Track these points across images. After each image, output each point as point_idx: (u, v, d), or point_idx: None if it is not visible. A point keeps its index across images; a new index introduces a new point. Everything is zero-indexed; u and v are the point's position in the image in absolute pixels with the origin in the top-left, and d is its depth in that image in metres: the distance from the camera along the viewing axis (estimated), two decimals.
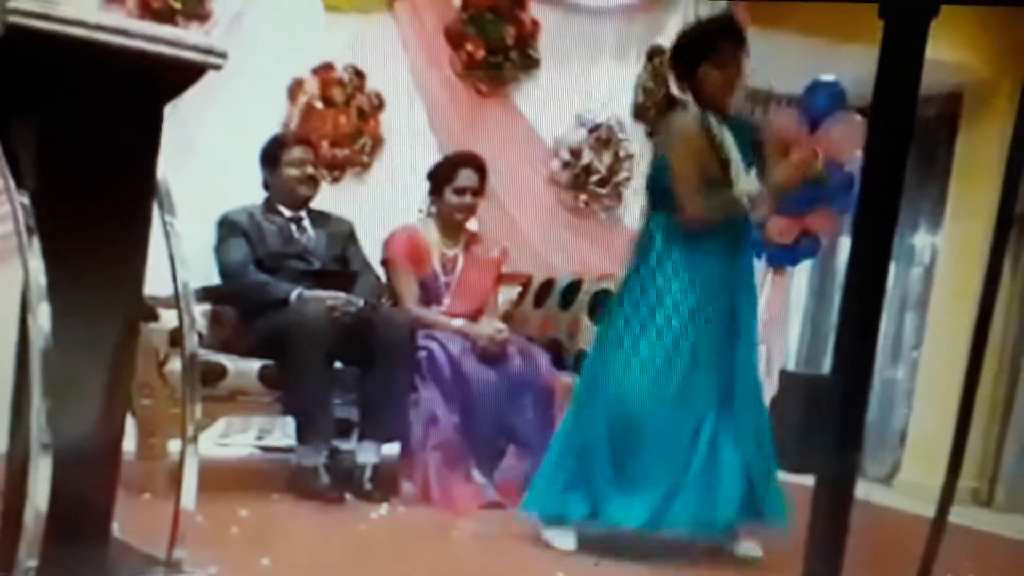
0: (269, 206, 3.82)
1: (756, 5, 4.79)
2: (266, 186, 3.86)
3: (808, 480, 0.91)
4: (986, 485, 5.08)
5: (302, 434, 3.52)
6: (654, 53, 4.74)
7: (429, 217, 3.99)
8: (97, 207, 2.10)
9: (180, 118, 3.36)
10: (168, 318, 3.26)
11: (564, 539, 3.04)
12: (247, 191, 3.84)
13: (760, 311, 5.39)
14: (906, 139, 1.00)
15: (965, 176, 5.29)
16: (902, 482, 5.22)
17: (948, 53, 4.76)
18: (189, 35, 2.62)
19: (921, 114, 5.66)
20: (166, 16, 3.99)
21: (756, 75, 5.16)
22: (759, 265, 5.34)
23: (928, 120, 5.52)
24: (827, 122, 4.83)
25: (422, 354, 3.65)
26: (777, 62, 5.29)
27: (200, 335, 3.53)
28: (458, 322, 3.81)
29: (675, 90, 3.19)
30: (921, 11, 0.96)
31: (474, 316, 3.91)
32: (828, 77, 4.84)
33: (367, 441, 3.56)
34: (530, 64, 4.63)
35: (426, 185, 3.99)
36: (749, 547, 3.14)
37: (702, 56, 3.06)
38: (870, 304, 0.97)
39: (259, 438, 4.44)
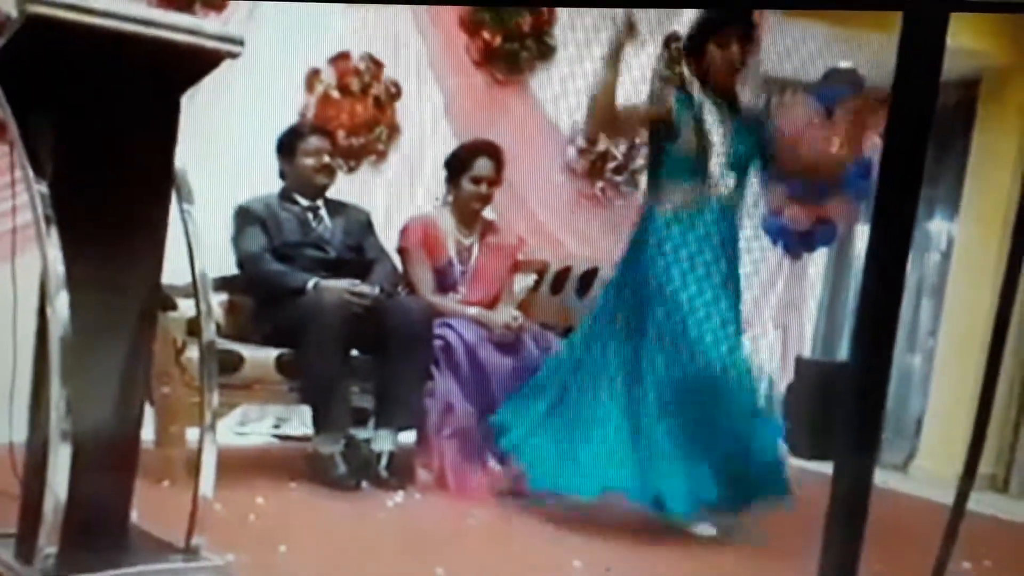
0: (286, 195, 3.83)
1: None
2: (283, 176, 3.87)
3: (824, 467, 0.90)
4: (1003, 471, 5.07)
5: (319, 422, 3.54)
6: (671, 40, 4.73)
7: (445, 206, 3.99)
8: (115, 196, 2.11)
9: (197, 108, 3.38)
10: (186, 307, 3.28)
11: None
12: (264, 181, 3.86)
13: (776, 297, 5.42)
14: (926, 126, 0.99)
15: (982, 162, 5.26)
16: (918, 468, 5.21)
17: (965, 39, 4.72)
18: (206, 23, 2.63)
19: (938, 100, 5.61)
20: (184, 5, 4.02)
21: (773, 61, 5.18)
22: (776, 252, 5.35)
23: (945, 106, 5.49)
24: (844, 109, 4.81)
25: (438, 342, 3.67)
26: (795, 48, 5.26)
27: (217, 324, 3.58)
28: (474, 310, 3.82)
29: (686, 73, 3.20)
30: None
31: (490, 304, 3.92)
32: (845, 64, 4.82)
33: (383, 429, 3.58)
34: (546, 51, 4.64)
35: (442, 173, 3.99)
36: (704, 527, 3.16)
37: (708, 35, 3.13)
38: (889, 292, 0.97)
39: (276, 426, 4.46)
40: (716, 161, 3.13)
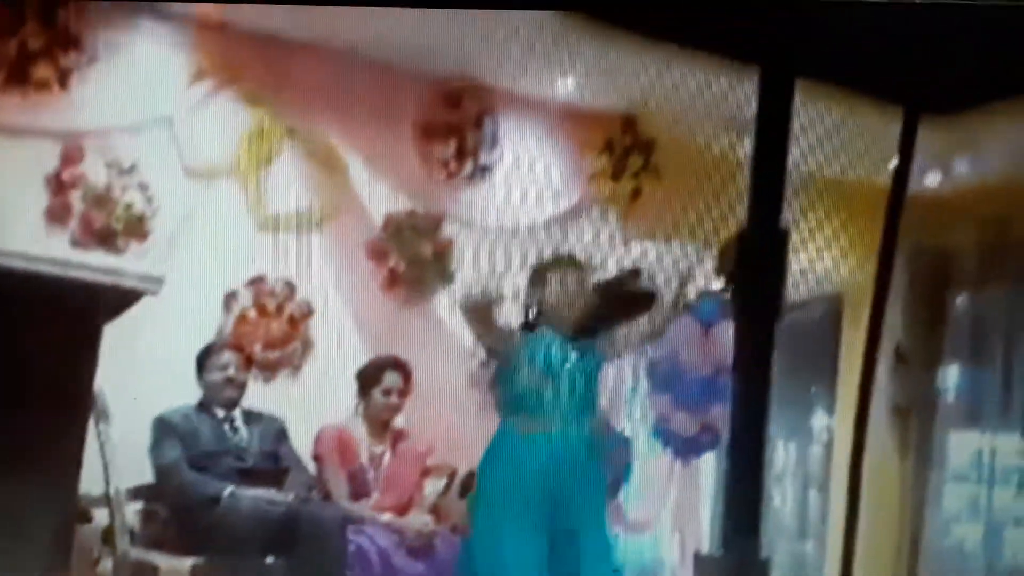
0: (203, 407, 4.00)
1: (649, 224, 5.27)
2: (201, 388, 4.05)
3: None
4: None
5: None
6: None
7: (357, 416, 4.20)
8: (34, 420, 2.20)
9: (122, 326, 3.54)
10: (101, 516, 3.31)
11: None
12: (187, 393, 4.03)
13: (672, 499, 5.65)
14: (768, 342, 1.23)
15: (850, 363, 5.77)
16: None
17: (827, 262, 5.31)
18: (127, 264, 2.74)
19: (808, 314, 6.18)
20: (107, 236, 4.23)
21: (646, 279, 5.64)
22: (667, 456, 5.62)
23: (814, 319, 6.04)
24: (717, 328, 5.26)
25: (351, 548, 3.78)
26: (668, 267, 5.75)
27: (133, 533, 3.64)
28: (386, 517, 3.98)
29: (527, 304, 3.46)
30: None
31: (402, 509, 4.07)
32: (717, 285, 5.28)
33: None
34: (447, 276, 4.96)
35: (354, 385, 4.23)
36: None
37: (546, 270, 3.43)
38: (750, 487, 1.18)
39: None
40: (558, 391, 3.35)
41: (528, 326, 3.38)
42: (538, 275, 3.43)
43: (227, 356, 4.09)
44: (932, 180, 5.42)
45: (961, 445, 6.01)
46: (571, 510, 3.26)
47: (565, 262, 3.45)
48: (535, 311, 3.39)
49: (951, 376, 6.07)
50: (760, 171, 1.16)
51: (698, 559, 5.51)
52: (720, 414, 5.30)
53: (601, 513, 3.40)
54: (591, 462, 3.39)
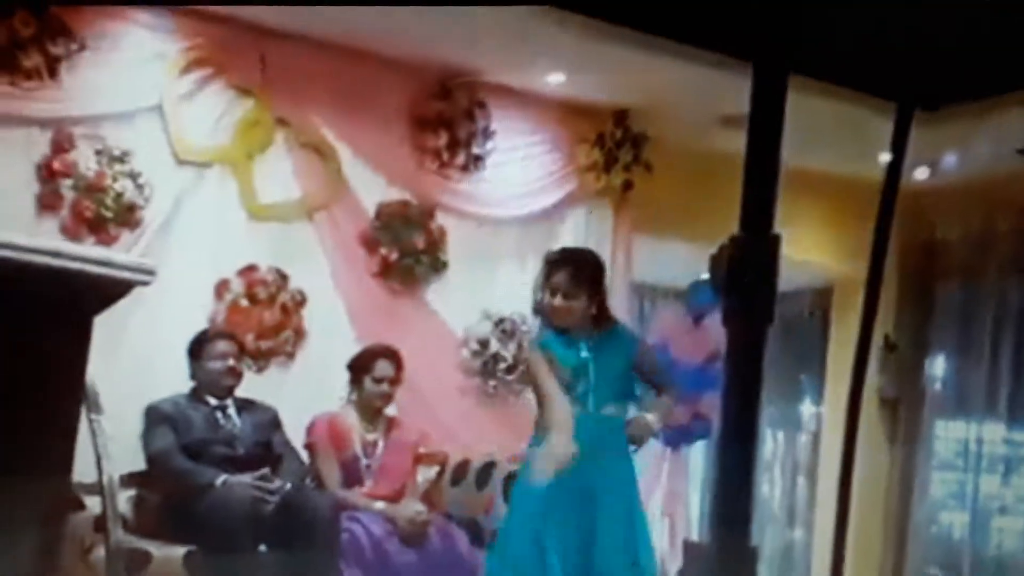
0: (196, 395, 4.01)
1: (640, 216, 5.32)
2: (193, 377, 4.05)
3: None
4: None
5: None
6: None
7: (350, 404, 4.22)
8: (26, 411, 2.21)
9: (113, 315, 3.55)
10: (93, 504, 3.30)
11: None
12: (177, 382, 4.04)
13: (662, 486, 5.71)
14: (760, 339, 1.24)
15: (839, 353, 5.85)
16: None
17: (814, 255, 5.37)
18: (118, 255, 2.75)
19: (798, 306, 6.27)
20: (98, 224, 4.23)
21: (646, 271, 5.69)
22: (658, 445, 5.68)
23: (803, 311, 6.12)
24: (710, 317, 5.33)
25: (344, 536, 3.79)
26: (665, 262, 5.82)
27: (125, 520, 3.64)
28: (379, 504, 4.00)
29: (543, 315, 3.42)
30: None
31: (395, 496, 4.10)
32: (707, 276, 5.35)
33: None
34: (440, 266, 4.98)
35: (347, 374, 4.25)
36: None
37: (543, 284, 3.40)
38: (740, 476, 1.20)
39: None
40: (589, 384, 3.31)
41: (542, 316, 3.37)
42: (547, 267, 3.43)
43: (224, 344, 4.08)
44: (921, 174, 5.48)
45: (948, 434, 6.09)
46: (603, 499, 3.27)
47: (567, 257, 3.45)
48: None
49: (938, 366, 6.15)
50: (753, 170, 1.18)
51: (687, 546, 5.60)
52: (711, 402, 5.36)
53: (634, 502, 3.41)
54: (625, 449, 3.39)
